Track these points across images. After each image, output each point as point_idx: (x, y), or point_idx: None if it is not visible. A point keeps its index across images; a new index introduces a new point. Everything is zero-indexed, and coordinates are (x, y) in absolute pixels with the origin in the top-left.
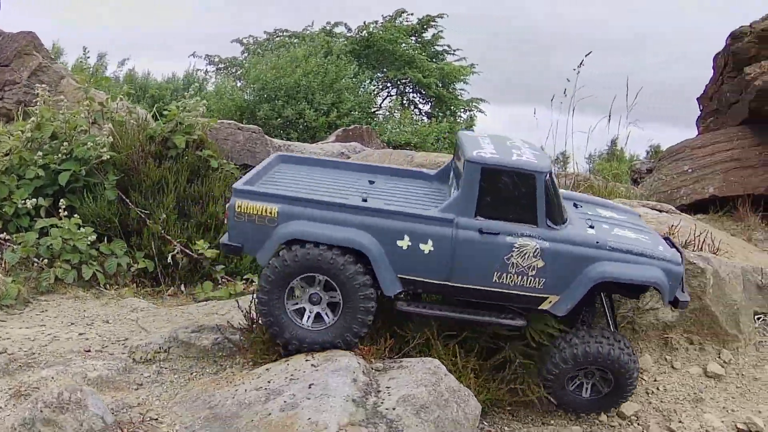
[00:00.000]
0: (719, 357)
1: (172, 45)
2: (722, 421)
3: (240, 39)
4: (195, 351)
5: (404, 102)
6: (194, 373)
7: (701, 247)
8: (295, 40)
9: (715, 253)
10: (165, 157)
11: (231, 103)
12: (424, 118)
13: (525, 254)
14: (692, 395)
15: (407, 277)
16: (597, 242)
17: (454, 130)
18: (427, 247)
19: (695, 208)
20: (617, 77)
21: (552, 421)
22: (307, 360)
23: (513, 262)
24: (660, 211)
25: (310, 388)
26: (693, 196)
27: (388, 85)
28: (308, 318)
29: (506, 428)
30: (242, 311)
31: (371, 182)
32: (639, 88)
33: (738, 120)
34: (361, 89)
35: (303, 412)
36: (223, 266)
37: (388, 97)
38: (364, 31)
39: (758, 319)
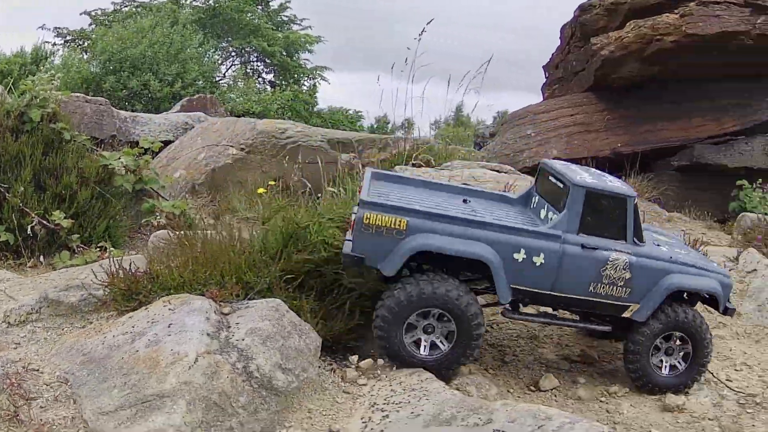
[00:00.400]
0: None
1: (20, 18)
2: (557, 354)
3: (88, 11)
4: (64, 308)
5: (248, 71)
6: (65, 329)
7: None
8: (142, 11)
9: None
10: (21, 132)
11: (78, 76)
12: (268, 86)
13: (617, 267)
14: (527, 333)
15: (518, 287)
16: (670, 257)
17: (298, 98)
18: (539, 260)
19: (536, 169)
20: (470, 47)
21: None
22: (164, 305)
23: (607, 274)
24: (499, 171)
25: (169, 327)
26: (536, 158)
27: (233, 54)
28: (425, 348)
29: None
30: (103, 268)
31: (465, 201)
32: (489, 57)
33: (583, 87)
34: (206, 59)
35: (166, 345)
36: (78, 235)
37: (233, 67)
38: (211, 0)
39: None
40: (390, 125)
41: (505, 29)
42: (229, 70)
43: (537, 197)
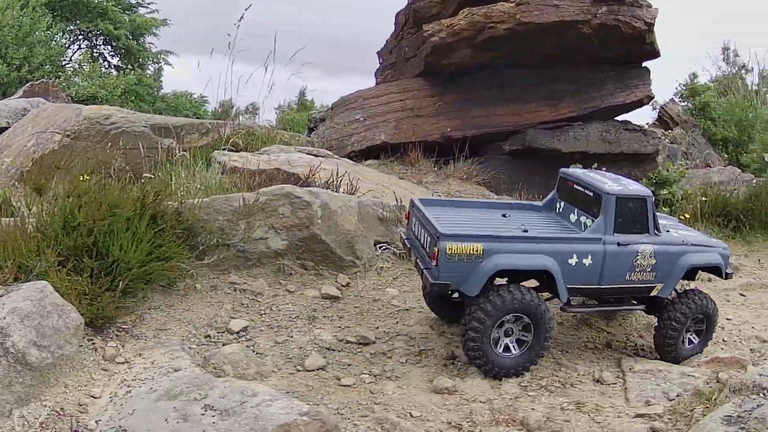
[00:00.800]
0: (336, 281)
1: None
2: (334, 335)
3: None
4: None
5: (94, 54)
6: None
7: (338, 186)
8: None
9: (352, 192)
10: None
11: None
12: (113, 70)
13: (645, 256)
14: (306, 314)
15: (572, 286)
16: (683, 241)
17: (142, 83)
18: (587, 261)
19: (367, 153)
20: (323, 31)
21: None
22: None
23: (638, 263)
24: (316, 155)
25: None
26: (364, 142)
27: (80, 37)
28: (501, 347)
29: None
30: None
31: (504, 216)
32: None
33: (414, 73)
34: (54, 42)
35: None
36: None
37: (79, 50)
38: None
39: (380, 247)
40: (234, 109)
41: (362, 14)
42: (76, 54)
43: (562, 203)
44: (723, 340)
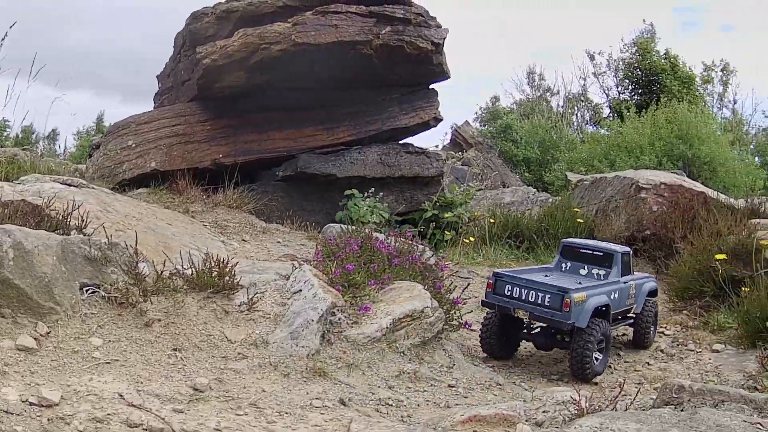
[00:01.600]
0: (35, 330)
1: None
2: (20, 395)
3: None
4: None
5: None
6: None
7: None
8: None
9: (82, 229)
10: None
11: None
12: None
13: (632, 288)
14: None
15: (613, 311)
16: (641, 277)
17: None
18: (616, 296)
19: (138, 182)
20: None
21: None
22: None
23: (630, 293)
24: (70, 185)
25: None
26: (135, 170)
27: None
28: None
29: None
30: None
31: (547, 275)
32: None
33: (189, 97)
34: None
35: None
36: None
37: None
38: None
39: (87, 290)
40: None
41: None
42: None
43: (568, 263)
44: (498, 384)
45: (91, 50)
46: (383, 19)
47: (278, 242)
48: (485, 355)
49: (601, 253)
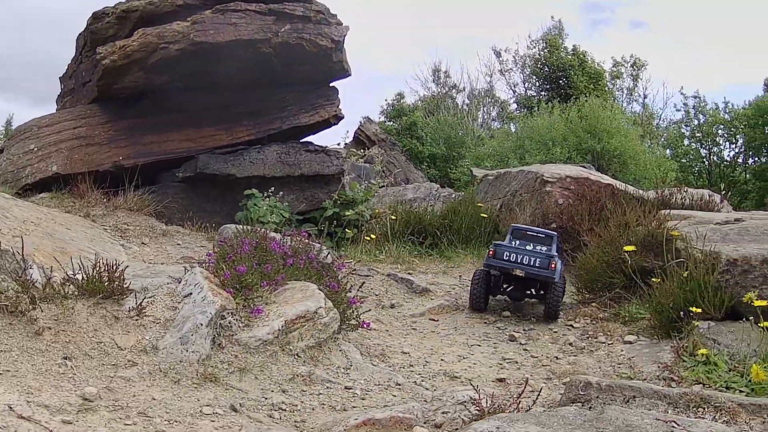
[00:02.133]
0: None
1: None
2: None
3: None
4: None
5: None
6: None
7: None
8: None
9: None
10: None
11: None
12: None
13: (557, 261)
14: None
15: None
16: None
17: None
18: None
19: (41, 186)
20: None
21: None
22: None
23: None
24: None
25: None
26: (38, 174)
27: None
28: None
29: None
30: None
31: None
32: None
33: (90, 99)
34: None
35: None
36: None
37: None
38: None
39: None
40: None
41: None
42: None
43: (518, 241)
44: (397, 384)
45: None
46: (283, 17)
47: (178, 244)
48: (384, 354)
49: (543, 235)
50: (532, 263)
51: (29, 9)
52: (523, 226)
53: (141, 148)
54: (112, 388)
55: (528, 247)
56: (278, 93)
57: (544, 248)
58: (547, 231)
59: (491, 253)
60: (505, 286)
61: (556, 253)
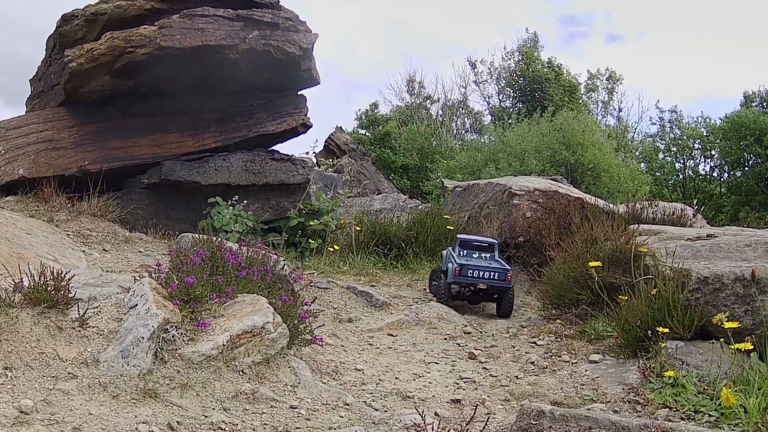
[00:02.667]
0: None
1: None
2: None
3: None
4: None
5: None
6: None
7: None
8: None
9: None
10: None
11: None
12: None
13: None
14: None
15: None
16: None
17: None
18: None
19: (8, 189)
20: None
21: None
22: None
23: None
24: None
25: None
26: (4, 177)
27: None
28: None
29: None
30: None
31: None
32: None
33: (58, 102)
34: None
35: None
36: None
37: None
38: None
39: None
40: None
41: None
42: None
43: (465, 251)
44: (346, 404)
45: None
46: (251, 23)
47: (140, 252)
48: (337, 371)
49: (486, 244)
50: (493, 277)
51: (3, 8)
52: (469, 237)
53: (107, 153)
54: (50, 401)
55: (484, 263)
56: (245, 100)
57: (488, 255)
58: (489, 240)
59: (458, 272)
60: (466, 293)
61: (504, 261)
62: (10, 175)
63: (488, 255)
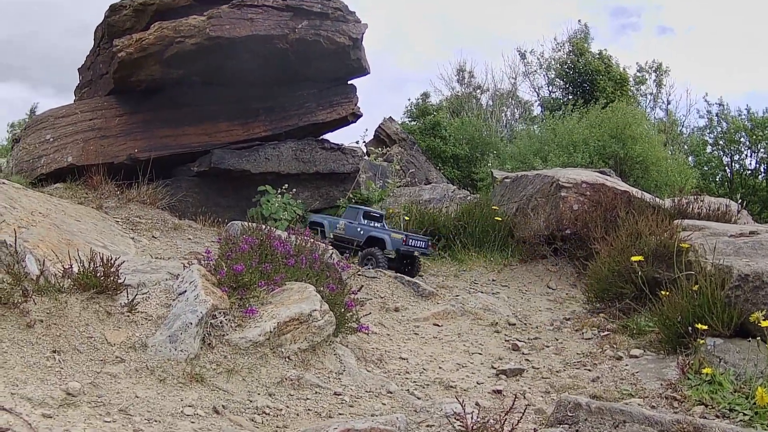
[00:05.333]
0: None
1: None
2: None
3: None
4: None
5: None
6: None
7: None
8: None
9: None
10: None
11: None
12: None
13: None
14: None
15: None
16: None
17: None
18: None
19: (56, 176)
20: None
21: None
22: None
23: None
24: None
25: None
26: (53, 165)
27: None
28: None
29: None
30: None
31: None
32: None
33: (106, 91)
34: None
35: None
36: None
37: None
38: None
39: None
40: None
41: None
42: None
43: (366, 221)
44: (389, 392)
45: (17, 43)
46: (300, 13)
47: (189, 239)
48: (381, 359)
49: (378, 215)
50: (423, 245)
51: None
52: (364, 207)
53: (156, 142)
54: (97, 383)
55: (371, 225)
56: (295, 89)
57: (378, 225)
58: (379, 211)
59: (404, 242)
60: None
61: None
62: (59, 162)
63: (379, 224)
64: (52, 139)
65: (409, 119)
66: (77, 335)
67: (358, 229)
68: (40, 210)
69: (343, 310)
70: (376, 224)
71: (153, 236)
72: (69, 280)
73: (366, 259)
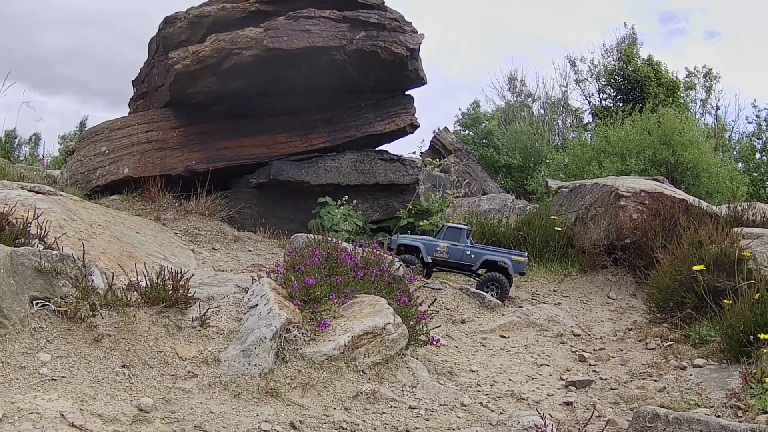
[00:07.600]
0: None
1: None
2: None
3: None
4: None
5: None
6: None
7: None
8: None
9: (43, 238)
10: None
11: None
12: None
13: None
14: None
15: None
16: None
17: None
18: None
19: (112, 188)
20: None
21: None
22: None
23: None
24: (37, 192)
25: None
26: (108, 177)
27: None
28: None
29: None
30: None
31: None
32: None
33: (162, 103)
34: None
35: None
36: None
37: None
38: None
39: (37, 304)
40: (17, 139)
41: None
42: None
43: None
44: (463, 405)
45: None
46: (357, 24)
47: (249, 251)
48: (452, 372)
49: (459, 231)
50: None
51: (105, 11)
52: (464, 226)
53: (214, 153)
54: (170, 399)
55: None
56: (353, 100)
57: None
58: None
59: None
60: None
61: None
62: (115, 174)
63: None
64: (107, 151)
65: (461, 128)
66: (147, 350)
67: (468, 252)
68: (99, 222)
69: (413, 322)
70: (482, 245)
71: (213, 248)
72: (136, 293)
73: (487, 286)
